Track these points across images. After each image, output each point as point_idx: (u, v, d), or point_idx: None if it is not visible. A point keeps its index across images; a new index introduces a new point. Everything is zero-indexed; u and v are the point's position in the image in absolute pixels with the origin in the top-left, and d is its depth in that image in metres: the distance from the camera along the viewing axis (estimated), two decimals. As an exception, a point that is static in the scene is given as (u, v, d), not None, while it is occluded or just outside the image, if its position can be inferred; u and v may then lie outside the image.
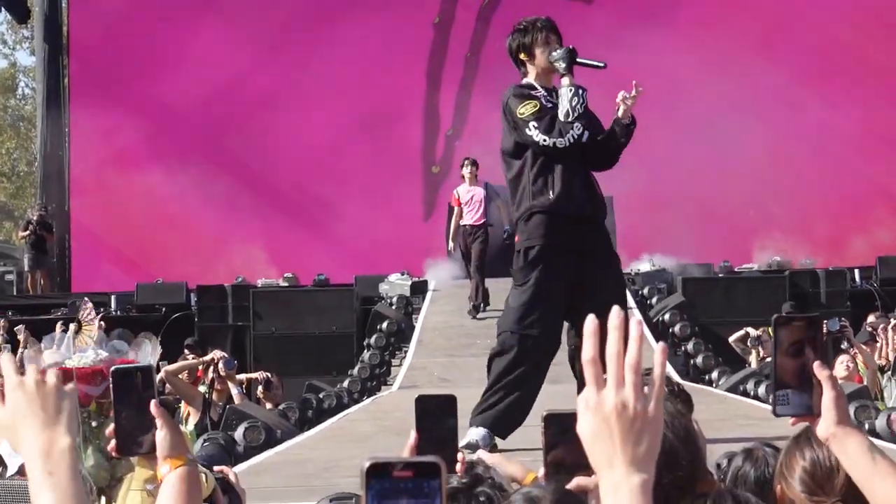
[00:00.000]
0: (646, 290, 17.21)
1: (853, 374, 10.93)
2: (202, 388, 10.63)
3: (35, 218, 22.58)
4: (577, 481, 1.95)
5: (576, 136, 6.55)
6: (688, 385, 9.48)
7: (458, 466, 2.28)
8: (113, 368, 2.25)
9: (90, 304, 6.32)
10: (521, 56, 6.83)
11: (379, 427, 9.11)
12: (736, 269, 19.03)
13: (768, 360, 12.17)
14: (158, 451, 2.21)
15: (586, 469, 1.73)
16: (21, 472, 5.70)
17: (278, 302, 17.84)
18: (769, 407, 2.36)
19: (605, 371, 1.63)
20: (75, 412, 2.06)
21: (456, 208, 16.02)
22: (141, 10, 24.11)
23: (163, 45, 23.91)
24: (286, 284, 19.48)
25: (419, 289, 17.94)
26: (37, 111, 27.25)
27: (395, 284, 18.04)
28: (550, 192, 6.61)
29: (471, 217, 15.83)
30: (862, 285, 18.43)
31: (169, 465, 2.20)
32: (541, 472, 2.10)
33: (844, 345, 12.53)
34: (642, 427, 1.62)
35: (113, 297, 19.31)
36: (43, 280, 22.49)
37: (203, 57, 23.53)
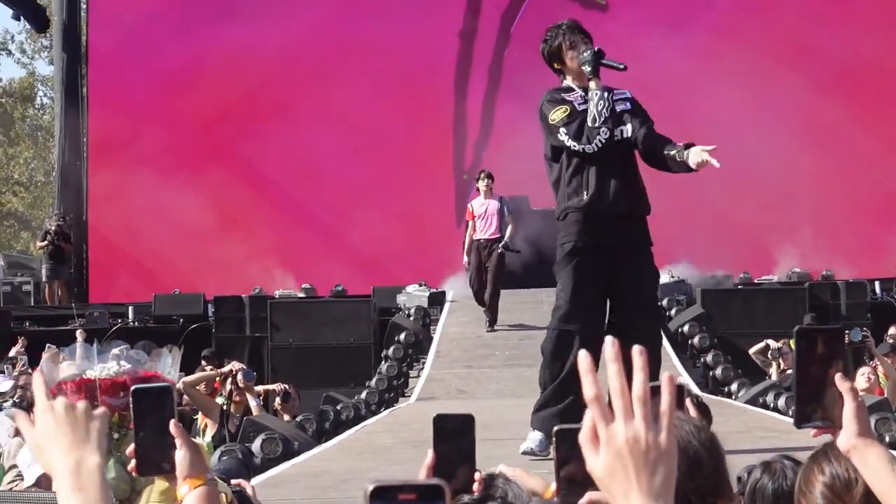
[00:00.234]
0: (665, 302, 17.15)
1: (874, 387, 10.90)
2: (220, 400, 10.61)
3: (53, 228, 22.58)
4: (589, 496, 1.92)
5: (603, 141, 6.81)
6: (707, 397, 9.44)
7: (476, 486, 2.25)
8: (133, 388, 2.26)
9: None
10: (555, 65, 7.10)
11: (397, 439, 9.10)
12: (756, 281, 18.94)
13: (789, 371, 12.14)
14: (178, 471, 2.21)
15: None
16: (38, 483, 5.70)
17: (296, 313, 17.79)
18: (789, 419, 2.34)
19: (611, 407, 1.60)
20: (105, 432, 2.09)
21: (470, 222, 15.94)
22: (160, 20, 24.15)
23: (181, 55, 23.97)
24: (304, 295, 19.48)
25: (437, 300, 17.92)
26: (55, 121, 27.24)
27: (413, 295, 18.02)
28: (584, 193, 6.87)
29: (484, 231, 15.70)
30: (882, 297, 18.38)
31: (188, 485, 2.21)
32: (553, 486, 2.08)
33: (866, 356, 12.48)
34: (657, 458, 1.58)
35: (130, 308, 19.34)
36: (60, 290, 22.48)
37: (221, 66, 23.56)
